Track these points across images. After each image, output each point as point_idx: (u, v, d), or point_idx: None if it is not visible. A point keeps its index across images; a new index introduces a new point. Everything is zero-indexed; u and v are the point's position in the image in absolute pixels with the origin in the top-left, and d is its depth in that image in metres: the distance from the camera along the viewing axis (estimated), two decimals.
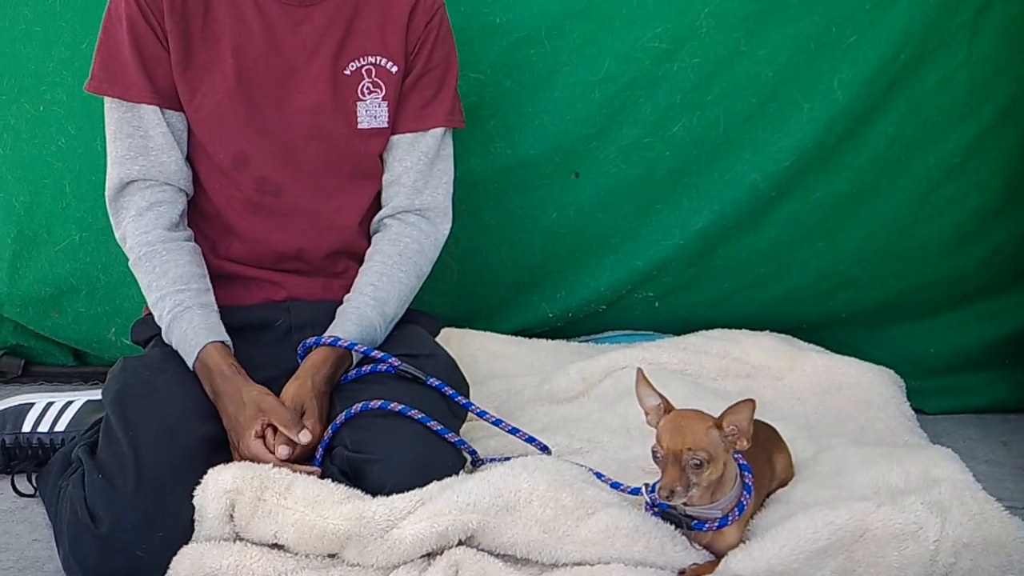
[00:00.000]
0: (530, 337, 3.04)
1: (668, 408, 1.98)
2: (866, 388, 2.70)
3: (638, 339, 3.01)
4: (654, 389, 1.99)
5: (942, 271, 2.92)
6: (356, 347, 2.23)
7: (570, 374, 2.76)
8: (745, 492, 1.99)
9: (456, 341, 2.93)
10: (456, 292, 3.03)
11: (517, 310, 3.05)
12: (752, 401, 1.92)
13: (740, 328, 2.93)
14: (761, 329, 2.93)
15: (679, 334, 2.95)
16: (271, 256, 2.39)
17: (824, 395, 2.70)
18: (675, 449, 1.87)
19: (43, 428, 2.45)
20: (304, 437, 2.07)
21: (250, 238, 2.38)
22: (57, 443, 2.43)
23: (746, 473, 2.02)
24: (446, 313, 2.93)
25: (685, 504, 1.95)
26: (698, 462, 1.86)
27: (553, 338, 3.05)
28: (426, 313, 2.57)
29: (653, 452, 1.91)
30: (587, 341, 3.08)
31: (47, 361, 3.12)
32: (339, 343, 2.22)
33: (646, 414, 1.99)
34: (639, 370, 2.02)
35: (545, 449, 2.26)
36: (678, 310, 3.01)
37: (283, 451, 2.06)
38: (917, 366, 2.93)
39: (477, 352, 2.93)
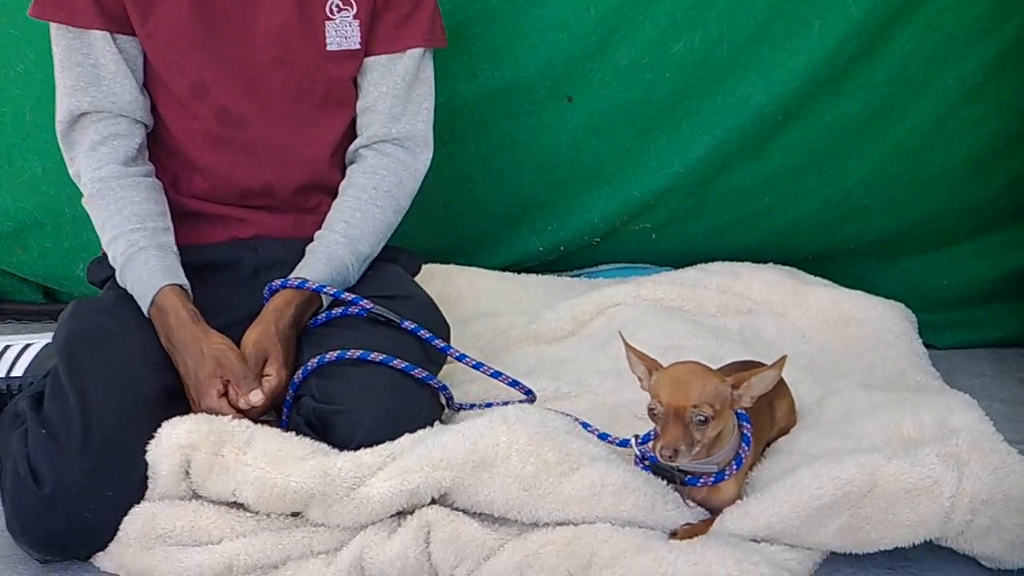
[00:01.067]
0: (519, 272, 2.89)
1: (655, 367, 1.81)
2: (875, 324, 2.54)
3: (633, 273, 2.85)
4: (638, 355, 1.82)
5: (958, 199, 2.76)
6: (325, 289, 2.07)
7: (559, 312, 2.61)
8: (743, 444, 1.84)
9: (440, 278, 2.78)
10: (440, 226, 2.88)
11: (505, 244, 2.90)
12: (782, 362, 1.76)
13: (742, 261, 2.79)
14: (764, 262, 2.78)
15: (677, 267, 2.81)
16: (236, 192, 2.22)
17: (830, 332, 2.54)
18: (677, 405, 1.71)
19: None
20: (255, 397, 1.93)
21: (213, 174, 2.21)
22: (15, 388, 2.28)
23: (744, 423, 1.86)
24: (429, 248, 2.79)
25: None
26: (703, 418, 1.71)
27: (543, 273, 2.90)
28: (405, 250, 2.41)
29: (651, 410, 1.75)
30: (579, 275, 2.93)
31: (16, 298, 2.97)
32: (306, 285, 2.06)
33: (639, 380, 1.83)
34: (623, 338, 1.86)
35: (529, 394, 2.11)
36: (676, 242, 2.86)
37: (244, 403, 1.92)
38: (929, 299, 2.79)
39: (462, 289, 2.78)
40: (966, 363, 2.73)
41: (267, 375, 1.97)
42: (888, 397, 2.04)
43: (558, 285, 2.85)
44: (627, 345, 1.86)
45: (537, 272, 2.90)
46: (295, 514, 1.83)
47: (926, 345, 2.55)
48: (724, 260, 2.80)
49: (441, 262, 2.83)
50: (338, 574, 1.74)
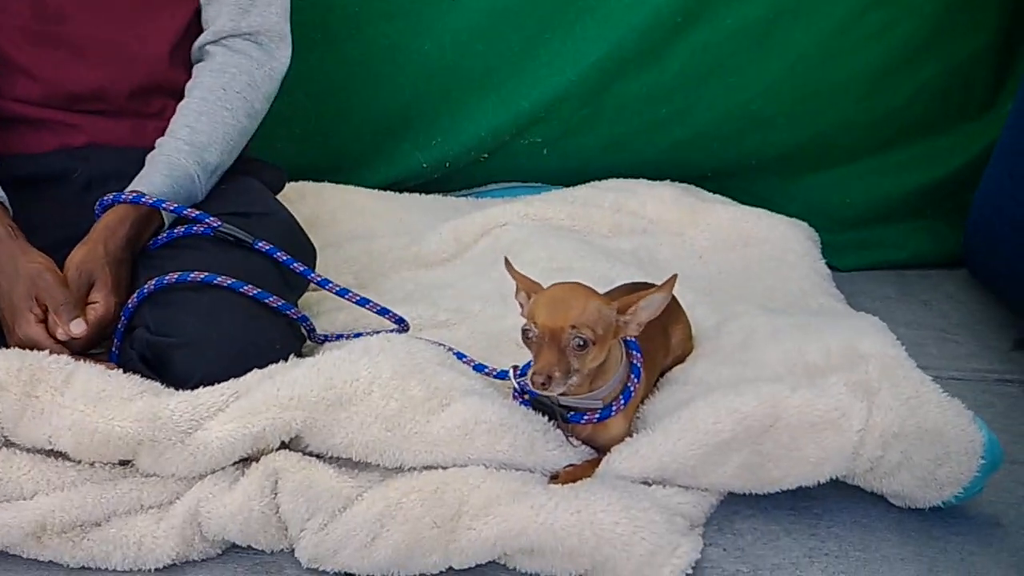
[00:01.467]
0: (400, 192, 2.67)
1: (535, 290, 1.61)
2: (777, 243, 2.39)
3: (524, 192, 2.66)
4: (519, 277, 1.62)
5: (863, 111, 2.62)
6: (164, 205, 1.80)
7: (442, 233, 2.40)
8: (632, 376, 1.65)
9: (312, 197, 2.55)
10: (313, 139, 2.64)
11: (385, 160, 2.67)
12: (672, 281, 1.58)
13: (638, 178, 2.62)
14: (661, 178, 2.62)
15: (570, 185, 2.62)
16: (64, 95, 1.94)
17: (729, 252, 2.38)
18: (553, 327, 1.52)
19: None
20: (76, 327, 1.67)
21: (36, 75, 1.93)
22: None
23: (634, 352, 1.67)
24: (301, 165, 2.58)
25: (562, 393, 1.59)
26: (581, 342, 1.51)
27: (427, 193, 2.69)
28: (266, 163, 2.15)
29: (524, 332, 1.55)
30: (466, 196, 2.72)
31: None
32: (143, 199, 1.79)
33: (520, 307, 1.62)
34: (506, 259, 1.66)
35: (401, 323, 1.89)
36: (569, 157, 2.67)
37: (62, 333, 1.65)
38: (831, 218, 2.66)
39: (337, 209, 2.54)
40: (869, 285, 2.63)
41: (93, 303, 1.71)
42: (791, 321, 1.87)
43: (442, 206, 2.64)
44: (509, 266, 1.65)
45: (420, 192, 2.69)
46: (123, 463, 1.59)
47: (828, 267, 2.43)
48: (620, 177, 2.63)
49: (313, 180, 2.61)
50: (170, 531, 1.51)
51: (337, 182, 2.61)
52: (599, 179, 2.62)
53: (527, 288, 1.62)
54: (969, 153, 2.65)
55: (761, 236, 2.41)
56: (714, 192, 2.61)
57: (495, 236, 2.38)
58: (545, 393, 1.55)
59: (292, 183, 2.51)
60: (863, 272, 2.66)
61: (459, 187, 2.74)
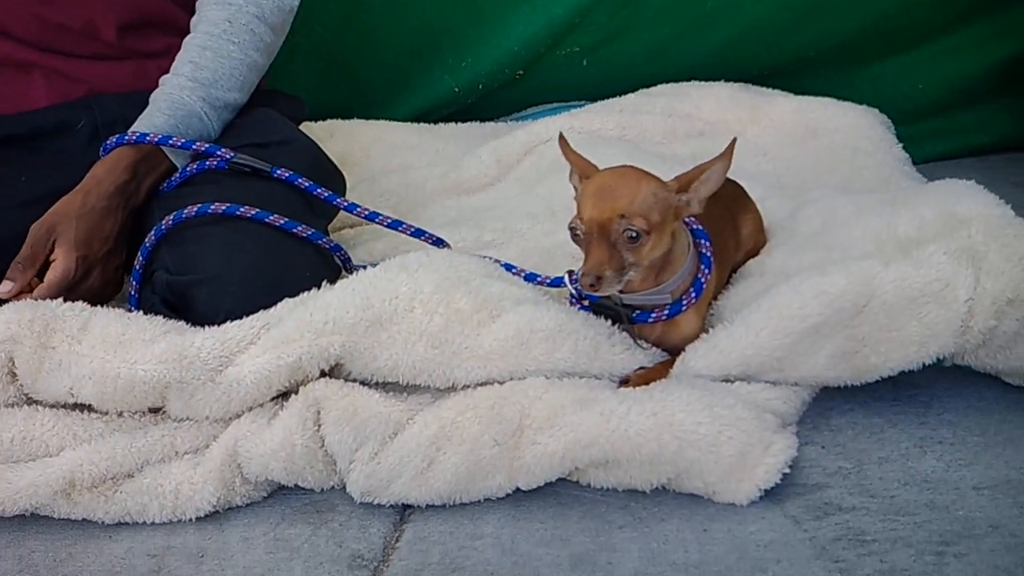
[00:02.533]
0: (435, 123, 2.53)
1: (589, 171, 1.44)
2: (848, 132, 2.20)
3: (566, 111, 2.47)
4: (573, 158, 1.45)
5: None
6: (170, 141, 1.67)
7: (482, 157, 2.26)
8: (703, 266, 1.48)
9: (342, 134, 2.42)
10: (336, 74, 2.51)
11: (414, 88, 2.53)
12: (731, 146, 1.41)
13: (688, 81, 2.44)
14: (713, 80, 2.43)
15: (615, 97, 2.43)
16: (52, 31, 1.80)
17: (797, 146, 2.20)
18: (600, 219, 1.36)
19: None
20: (3, 287, 1.54)
21: (19, 7, 1.79)
22: None
23: (702, 241, 1.50)
24: (326, 101, 2.46)
25: (621, 292, 1.43)
26: (634, 234, 1.35)
27: (463, 121, 2.53)
28: (283, 93, 2.01)
29: (572, 230, 1.39)
30: (506, 121, 2.55)
31: None
32: (147, 139, 1.66)
33: (574, 192, 1.46)
34: (560, 136, 1.50)
35: (440, 244, 1.73)
36: (611, 66, 2.50)
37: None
38: (904, 108, 2.46)
39: (370, 146, 2.41)
40: (952, 173, 2.36)
41: (52, 260, 1.58)
42: (875, 198, 1.68)
43: (480, 133, 2.50)
44: (563, 144, 1.50)
45: (455, 121, 2.54)
46: (154, 411, 1.46)
47: None
48: (667, 83, 2.45)
49: (342, 117, 2.46)
50: (208, 476, 1.38)
51: (366, 117, 2.47)
52: (645, 87, 2.44)
53: (581, 170, 1.46)
54: None
55: (830, 126, 2.23)
56: None
57: (539, 153, 2.23)
58: (599, 295, 1.38)
59: (320, 122, 2.40)
60: (943, 162, 2.47)
61: (496, 113, 2.58)
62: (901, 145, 2.23)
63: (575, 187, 1.47)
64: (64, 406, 1.45)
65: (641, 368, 1.44)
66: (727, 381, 1.42)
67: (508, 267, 1.62)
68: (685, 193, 1.40)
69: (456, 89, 2.49)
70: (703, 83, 2.41)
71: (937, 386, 1.50)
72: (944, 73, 2.50)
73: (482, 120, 2.55)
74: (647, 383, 1.39)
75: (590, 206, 1.38)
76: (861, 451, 1.38)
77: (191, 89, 1.74)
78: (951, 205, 1.50)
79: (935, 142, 2.50)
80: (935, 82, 2.50)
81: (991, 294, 1.36)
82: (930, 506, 1.26)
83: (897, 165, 2.12)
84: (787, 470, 1.30)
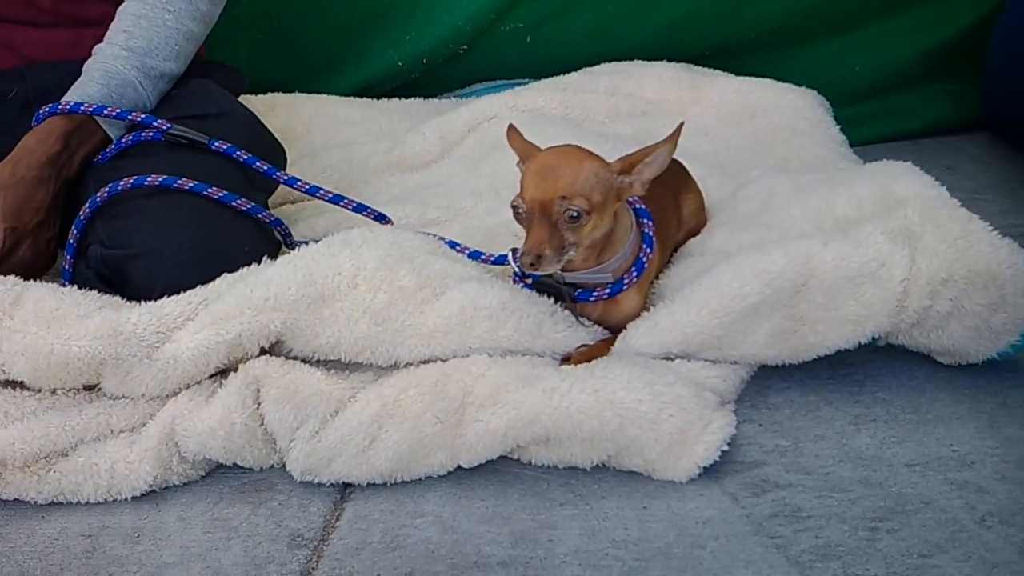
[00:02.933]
0: (378, 98, 2.50)
1: (533, 153, 1.44)
2: (787, 112, 2.22)
3: (510, 88, 2.45)
4: (517, 141, 1.45)
5: None
6: (105, 111, 1.63)
7: (425, 134, 2.23)
8: (645, 246, 1.49)
9: (283, 108, 2.38)
10: (277, 45, 2.46)
11: (357, 62, 2.49)
12: (678, 131, 1.42)
13: (631, 61, 2.44)
14: (656, 59, 2.44)
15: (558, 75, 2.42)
16: None
17: (737, 126, 2.22)
18: (542, 199, 1.36)
19: None
20: None
21: None
22: None
23: (645, 220, 1.51)
24: (267, 74, 2.41)
25: (563, 270, 1.43)
26: (574, 213, 1.35)
27: (406, 96, 2.50)
28: (222, 63, 1.97)
29: (514, 208, 1.39)
30: (448, 98, 2.52)
31: None
32: (81, 108, 1.62)
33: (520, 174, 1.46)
34: (510, 126, 1.50)
35: (383, 219, 1.72)
36: (555, 44, 2.49)
37: None
38: (841, 90, 2.48)
39: (311, 120, 2.37)
40: (887, 155, 2.39)
41: None
42: (814, 178, 1.70)
43: (424, 108, 2.47)
44: (510, 132, 1.50)
45: (399, 96, 2.51)
46: (88, 388, 1.43)
47: None
48: (611, 61, 2.45)
49: (283, 91, 2.42)
50: (144, 455, 1.36)
51: (308, 91, 2.43)
52: (589, 65, 2.43)
53: (524, 153, 1.46)
54: (983, 6, 2.49)
55: (769, 107, 2.24)
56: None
57: (483, 131, 2.21)
58: (538, 273, 1.38)
59: (261, 95, 2.36)
60: (878, 145, 2.50)
61: (440, 90, 2.56)
62: (839, 127, 2.25)
63: (520, 170, 1.47)
64: None
65: (583, 346, 1.44)
66: (667, 359, 1.43)
67: (452, 244, 1.61)
68: (628, 175, 1.40)
69: (400, 63, 2.46)
70: (646, 62, 2.41)
71: (871, 365, 1.53)
72: (881, 56, 2.52)
73: (425, 96, 2.52)
74: (589, 360, 1.40)
75: (532, 185, 1.38)
76: (797, 429, 1.40)
77: (125, 58, 1.70)
78: (888, 185, 1.52)
79: (871, 125, 2.52)
80: (871, 65, 2.52)
81: (926, 274, 1.38)
82: (864, 483, 1.28)
83: (834, 146, 2.14)
84: (725, 447, 1.31)
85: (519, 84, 2.50)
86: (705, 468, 1.31)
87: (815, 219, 1.55)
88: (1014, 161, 2.36)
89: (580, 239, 1.38)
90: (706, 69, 2.42)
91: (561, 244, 1.36)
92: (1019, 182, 2.24)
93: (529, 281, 1.50)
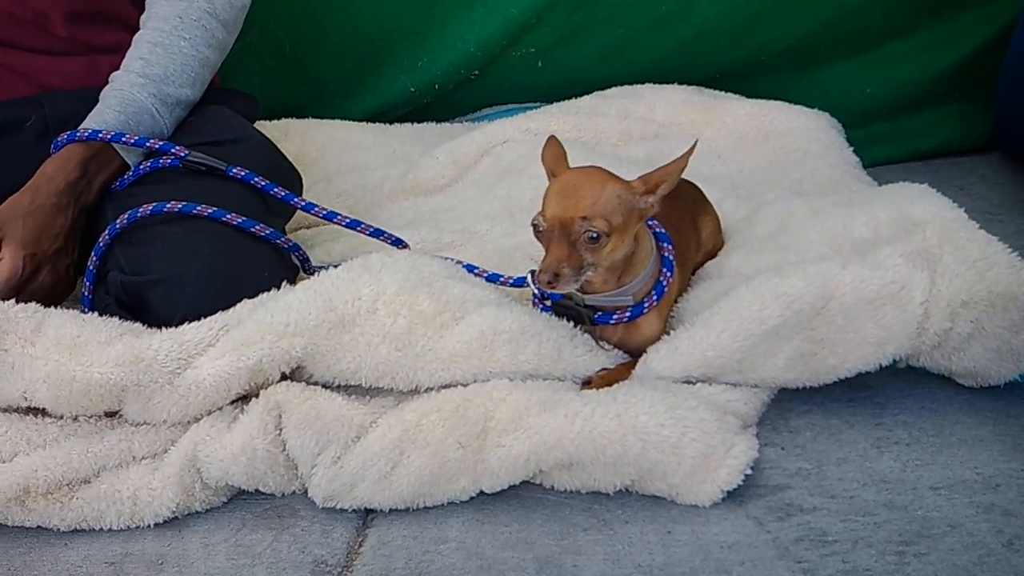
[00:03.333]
0: (390, 123, 2.51)
1: (559, 169, 1.45)
2: (800, 135, 2.22)
3: (522, 112, 2.46)
4: (550, 153, 1.46)
5: None
6: (124, 139, 1.64)
7: (439, 158, 2.24)
8: (665, 269, 1.49)
9: (297, 134, 2.38)
10: (290, 71, 2.48)
11: (370, 88, 2.51)
12: (692, 148, 1.43)
13: (642, 84, 2.45)
14: (667, 83, 2.44)
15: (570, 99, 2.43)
16: (2, 22, 1.77)
17: (750, 149, 2.22)
18: (562, 217, 1.36)
19: None
20: None
21: None
22: None
23: (664, 244, 1.51)
24: (280, 100, 2.42)
25: (583, 292, 1.44)
26: (594, 235, 1.35)
27: (419, 121, 2.51)
28: (236, 90, 1.98)
29: (535, 226, 1.39)
30: (461, 122, 2.53)
31: None
32: (99, 135, 1.62)
33: None
34: (552, 137, 1.51)
35: (399, 244, 1.72)
36: (566, 68, 2.49)
37: None
38: (852, 112, 2.48)
39: (325, 145, 2.38)
40: (899, 177, 2.43)
41: (0, 259, 1.54)
42: (831, 200, 1.70)
43: (437, 132, 2.48)
44: (550, 141, 1.51)
45: (411, 121, 2.52)
46: (110, 415, 1.43)
47: None
48: (622, 84, 2.45)
49: (295, 116, 2.43)
50: (167, 481, 1.36)
51: (320, 117, 2.44)
52: (600, 89, 2.44)
53: (551, 168, 1.46)
54: (994, 27, 2.49)
55: (782, 129, 2.24)
56: None
57: (496, 155, 2.22)
58: (559, 291, 1.39)
59: (274, 121, 2.37)
60: (890, 166, 2.50)
61: (452, 114, 2.57)
62: (851, 148, 2.26)
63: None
64: (17, 410, 1.43)
65: (603, 369, 1.44)
66: (688, 383, 1.43)
67: (470, 268, 1.62)
68: (651, 195, 1.41)
69: (412, 89, 2.47)
70: (657, 85, 2.42)
71: (891, 387, 1.53)
72: (892, 78, 2.52)
73: (438, 121, 2.53)
74: (610, 384, 1.40)
75: (553, 204, 1.38)
76: (820, 452, 1.40)
77: (142, 85, 1.71)
78: (906, 208, 1.52)
79: (883, 146, 2.52)
80: (882, 87, 2.52)
81: (946, 296, 1.38)
82: (889, 506, 1.28)
83: (848, 168, 2.15)
84: (749, 471, 1.31)
85: (531, 108, 2.51)
86: (729, 492, 1.30)
87: (832, 241, 1.55)
88: None
89: (599, 260, 1.38)
90: (718, 92, 2.43)
91: (580, 264, 1.36)
92: None
93: (548, 303, 1.50)
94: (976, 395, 1.49)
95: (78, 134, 1.65)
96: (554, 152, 1.49)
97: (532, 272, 1.53)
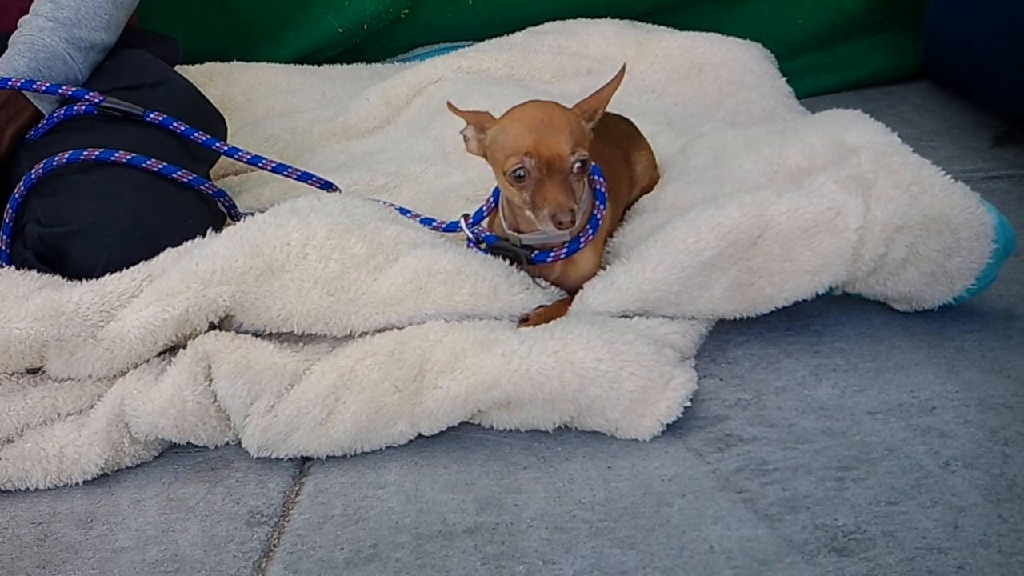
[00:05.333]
0: (319, 64, 2.44)
1: (486, 119, 1.40)
2: (733, 67, 2.20)
3: (454, 51, 2.41)
4: (460, 113, 1.43)
5: None
6: (34, 85, 1.57)
7: (370, 99, 2.19)
8: (599, 202, 1.46)
9: (221, 78, 2.32)
10: (212, 13, 2.41)
11: (296, 29, 2.44)
12: (622, 72, 1.43)
13: (575, 19, 2.41)
14: (600, 17, 2.41)
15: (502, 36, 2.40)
16: None
17: (683, 82, 2.20)
18: (555, 153, 1.32)
19: None
20: None
21: None
22: None
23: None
24: (204, 44, 2.36)
25: (520, 232, 1.41)
26: (581, 163, 1.34)
27: (348, 62, 2.45)
28: (155, 33, 1.91)
29: (518, 172, 1.33)
30: (392, 62, 2.48)
31: None
32: (8, 84, 1.56)
33: (464, 141, 1.43)
34: (448, 103, 1.46)
35: (329, 187, 1.68)
36: (498, 5, 2.47)
37: None
38: (783, 43, 2.47)
39: (251, 89, 2.32)
40: (830, 107, 2.41)
41: None
42: (765, 129, 1.68)
43: (367, 74, 2.43)
44: (451, 108, 1.45)
45: (340, 62, 2.45)
46: (32, 371, 1.39)
47: None
48: (554, 20, 2.42)
49: (220, 59, 2.37)
50: (94, 437, 1.32)
51: (247, 59, 2.38)
52: (533, 25, 2.40)
53: (477, 120, 1.41)
54: None
55: (715, 61, 2.22)
56: None
57: (428, 94, 2.18)
58: (559, 232, 1.35)
59: (197, 65, 2.30)
60: (823, 96, 2.50)
61: (382, 56, 2.51)
62: (785, 79, 2.25)
63: (465, 136, 1.43)
64: None
65: (540, 306, 1.42)
66: (625, 317, 1.41)
67: (403, 211, 1.58)
68: (590, 122, 1.38)
69: (339, 30, 2.41)
70: (590, 20, 2.39)
71: (828, 315, 1.53)
72: (823, 8, 2.51)
73: (367, 62, 2.48)
74: (547, 321, 1.38)
75: (534, 142, 1.33)
76: (759, 382, 1.40)
77: (52, 30, 1.63)
78: (840, 134, 1.51)
79: (814, 77, 2.52)
80: (814, 16, 2.51)
81: (880, 221, 1.38)
82: (828, 433, 1.28)
83: (781, 99, 2.13)
84: (688, 404, 1.30)
85: (462, 46, 2.46)
86: (668, 425, 1.30)
87: (767, 171, 1.54)
88: (956, 108, 2.37)
89: (580, 189, 1.36)
90: (650, 25, 2.40)
91: (576, 197, 1.33)
92: (962, 128, 2.25)
93: (483, 247, 1.47)
94: (911, 320, 1.49)
95: None
96: (464, 111, 1.43)
97: (464, 216, 1.51)
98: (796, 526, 1.14)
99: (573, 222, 1.31)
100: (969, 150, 2.13)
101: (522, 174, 1.34)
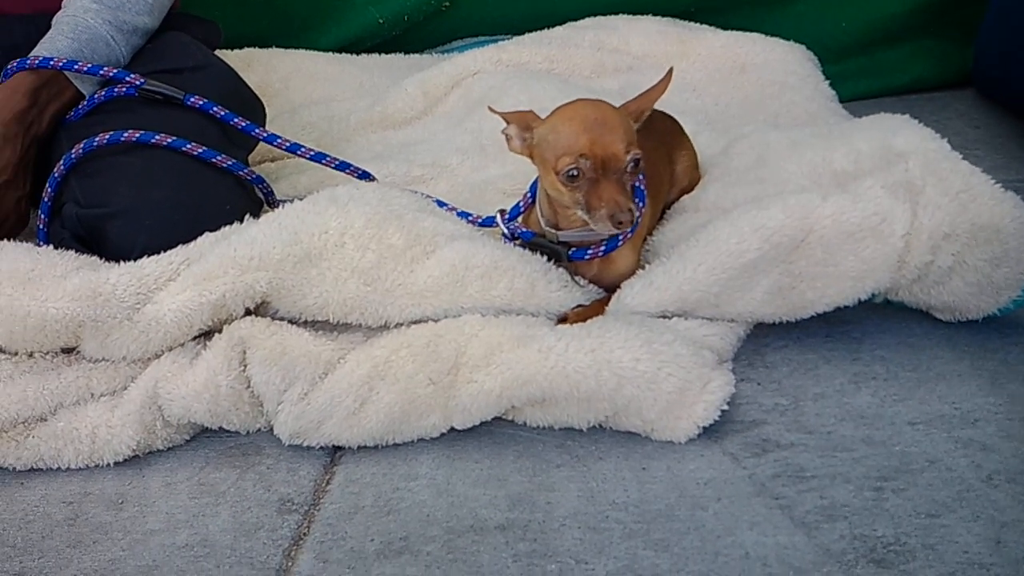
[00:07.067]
0: (357, 53, 2.44)
1: (531, 118, 1.39)
2: (776, 68, 2.18)
3: (493, 44, 2.40)
4: (505, 113, 1.41)
5: None
6: (76, 66, 1.57)
7: (408, 90, 2.18)
8: (638, 200, 1.44)
9: (259, 65, 2.32)
10: (256, 1, 2.39)
11: (337, 19, 2.43)
12: (670, 74, 1.40)
13: (616, 15, 2.39)
14: (642, 14, 2.38)
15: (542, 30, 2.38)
16: None
17: (725, 82, 2.17)
18: (611, 153, 1.30)
19: None
20: None
21: None
22: None
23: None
24: (244, 30, 2.36)
25: (557, 229, 1.39)
26: (635, 162, 1.32)
27: (387, 52, 2.45)
28: (196, 17, 1.91)
29: (570, 172, 1.32)
30: (430, 54, 2.47)
31: None
32: (51, 63, 1.55)
33: (507, 140, 1.41)
34: (489, 107, 1.46)
35: (366, 177, 1.67)
36: (540, 1, 2.39)
37: None
38: (827, 46, 2.44)
39: (289, 76, 2.32)
40: (872, 113, 2.42)
41: None
42: (809, 132, 1.66)
43: (405, 65, 2.42)
44: (491, 109, 1.44)
45: (379, 52, 2.44)
46: (67, 351, 1.39)
47: None
48: (596, 15, 2.39)
49: (260, 46, 2.37)
50: (127, 419, 1.31)
51: (286, 47, 2.37)
52: (574, 20, 2.38)
53: (520, 120, 1.40)
54: None
55: (758, 61, 2.20)
56: None
57: (467, 87, 2.16)
58: (618, 231, 1.33)
59: (237, 50, 2.30)
60: (864, 101, 2.46)
61: (421, 47, 2.50)
62: (828, 82, 2.22)
63: (508, 136, 1.41)
64: None
65: (578, 306, 1.41)
66: (664, 317, 1.40)
67: (440, 203, 1.57)
68: (636, 123, 1.37)
69: (380, 20, 2.40)
70: (631, 17, 2.36)
71: (869, 323, 1.50)
72: (868, 12, 2.47)
73: (405, 52, 2.47)
74: (584, 320, 1.36)
75: (589, 141, 1.31)
76: (797, 387, 1.38)
77: (96, 12, 1.64)
78: (887, 139, 1.48)
79: (856, 81, 2.48)
80: (858, 21, 2.48)
81: (927, 229, 1.35)
82: (867, 441, 1.26)
83: (824, 101, 2.11)
84: (725, 407, 1.29)
85: (502, 39, 2.45)
86: (704, 428, 1.28)
87: (812, 174, 1.52)
88: (1001, 118, 2.33)
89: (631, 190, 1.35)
90: (693, 24, 2.38)
91: (631, 196, 1.32)
92: (1007, 138, 2.22)
93: (520, 242, 1.46)
94: (954, 330, 1.47)
95: (28, 62, 1.57)
96: (513, 112, 1.42)
97: (501, 211, 1.49)
98: (834, 535, 1.12)
99: (632, 221, 1.29)
100: (1014, 160, 2.09)
101: (576, 174, 1.32)
